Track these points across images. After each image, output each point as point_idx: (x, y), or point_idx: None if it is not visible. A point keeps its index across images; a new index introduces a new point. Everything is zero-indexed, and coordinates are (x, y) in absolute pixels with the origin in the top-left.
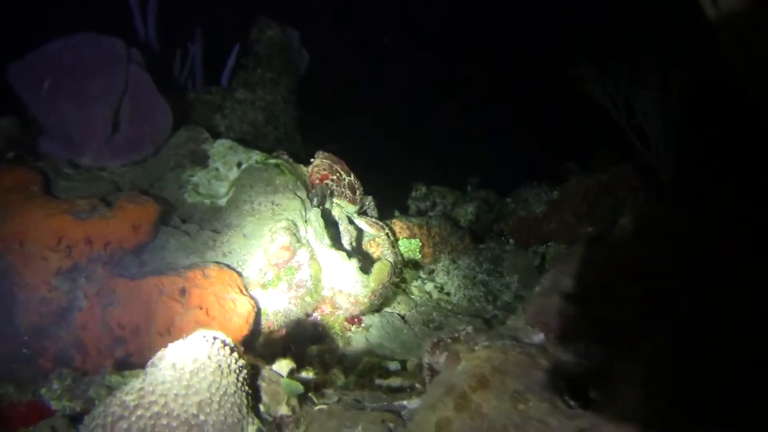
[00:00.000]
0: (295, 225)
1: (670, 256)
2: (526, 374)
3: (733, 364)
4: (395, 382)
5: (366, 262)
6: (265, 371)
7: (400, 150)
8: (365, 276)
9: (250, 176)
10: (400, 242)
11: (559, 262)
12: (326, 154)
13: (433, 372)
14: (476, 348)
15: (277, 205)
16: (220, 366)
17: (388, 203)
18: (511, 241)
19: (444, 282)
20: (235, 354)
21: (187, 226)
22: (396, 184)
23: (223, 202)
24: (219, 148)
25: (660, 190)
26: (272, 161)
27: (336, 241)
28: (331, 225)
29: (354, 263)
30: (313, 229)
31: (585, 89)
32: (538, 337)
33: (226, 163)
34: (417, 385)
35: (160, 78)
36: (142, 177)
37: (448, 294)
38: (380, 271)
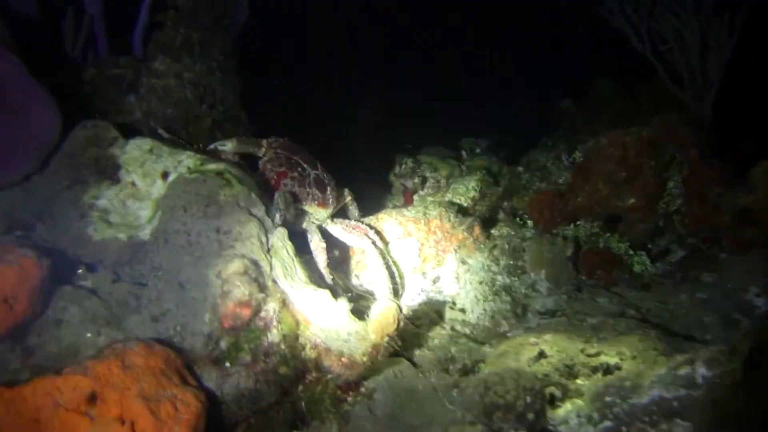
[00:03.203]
0: (255, 264)
1: None
2: None
3: None
4: None
5: (360, 299)
6: None
7: (374, 115)
8: (362, 323)
9: (182, 193)
10: (391, 245)
11: None
12: (280, 140)
13: None
14: None
15: (226, 233)
16: None
17: (366, 185)
18: (529, 223)
19: (455, 294)
20: None
21: (95, 277)
22: (375, 158)
23: (146, 233)
24: (134, 152)
25: (706, 140)
26: (211, 167)
27: (313, 271)
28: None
29: (343, 305)
30: (280, 261)
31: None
32: None
33: (147, 174)
34: None
35: (43, 54)
36: (23, 206)
37: (462, 311)
38: (383, 316)
